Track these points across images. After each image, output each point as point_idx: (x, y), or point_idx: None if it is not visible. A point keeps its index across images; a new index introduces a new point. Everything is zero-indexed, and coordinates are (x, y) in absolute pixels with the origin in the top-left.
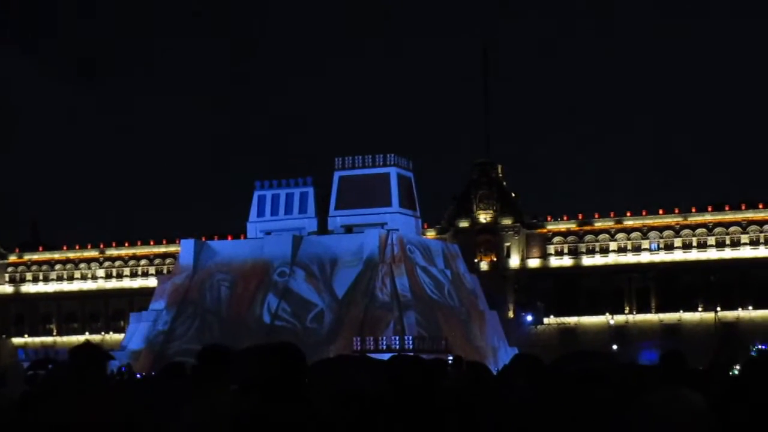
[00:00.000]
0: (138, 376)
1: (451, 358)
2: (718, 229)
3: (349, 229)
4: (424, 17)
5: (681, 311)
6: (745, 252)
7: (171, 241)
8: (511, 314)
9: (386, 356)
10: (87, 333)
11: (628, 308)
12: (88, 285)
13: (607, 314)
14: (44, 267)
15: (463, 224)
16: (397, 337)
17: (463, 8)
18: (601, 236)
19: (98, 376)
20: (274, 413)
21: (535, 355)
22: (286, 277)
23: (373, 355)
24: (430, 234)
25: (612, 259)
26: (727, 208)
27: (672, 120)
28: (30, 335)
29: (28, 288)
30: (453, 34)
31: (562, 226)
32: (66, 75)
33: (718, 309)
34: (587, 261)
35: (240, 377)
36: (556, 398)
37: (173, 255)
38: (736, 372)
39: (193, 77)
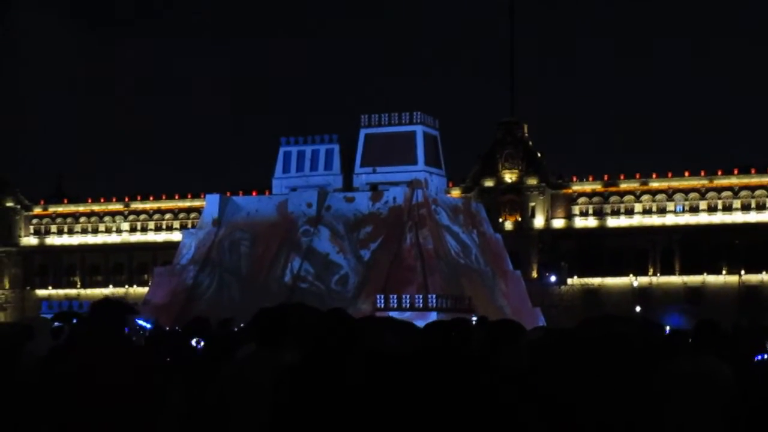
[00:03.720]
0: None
1: (475, 318)
2: (743, 192)
3: (374, 187)
4: None
5: (705, 274)
6: None
7: (196, 196)
8: (534, 274)
9: (408, 314)
10: (111, 286)
11: (652, 270)
12: (113, 238)
13: (631, 276)
14: (68, 219)
15: (488, 183)
16: (421, 296)
17: None
18: (626, 197)
19: (118, 332)
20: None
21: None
22: (311, 236)
23: (395, 314)
24: (455, 193)
25: (637, 220)
26: (753, 171)
27: (700, 81)
28: (54, 287)
29: (52, 240)
30: None
31: (587, 187)
32: (85, 28)
33: (743, 272)
34: (612, 222)
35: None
36: (582, 363)
37: (198, 209)
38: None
39: (219, 28)
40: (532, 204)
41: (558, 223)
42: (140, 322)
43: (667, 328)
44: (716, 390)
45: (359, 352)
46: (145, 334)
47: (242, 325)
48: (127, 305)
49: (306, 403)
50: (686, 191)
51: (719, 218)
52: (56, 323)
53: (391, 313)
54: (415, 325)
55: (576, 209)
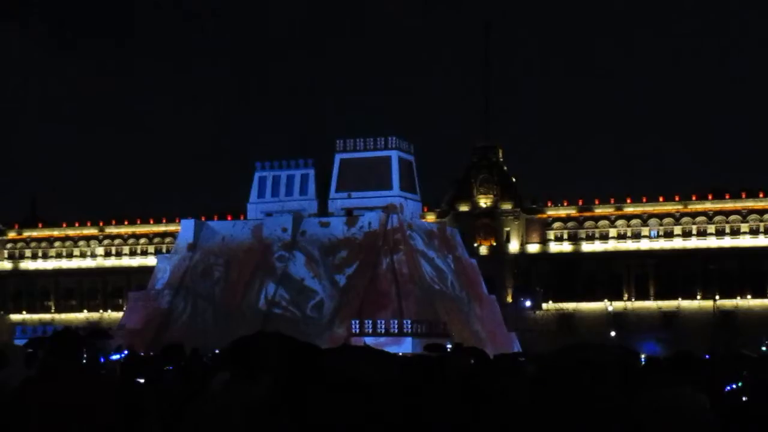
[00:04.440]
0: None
1: (449, 345)
2: (718, 218)
3: (349, 212)
4: None
5: (680, 299)
6: (745, 241)
7: (171, 220)
8: (509, 299)
9: (383, 339)
10: (85, 311)
11: (626, 295)
12: (87, 262)
13: (606, 301)
14: (43, 244)
15: (463, 208)
16: (396, 321)
17: None
18: (601, 222)
19: (74, 361)
20: (286, 398)
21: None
22: (286, 261)
23: (370, 339)
24: (430, 217)
25: (611, 245)
26: (727, 197)
27: (671, 107)
28: (28, 312)
29: (26, 264)
30: (454, 10)
31: (562, 212)
32: (65, 46)
33: (717, 297)
34: (587, 247)
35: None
36: (559, 392)
37: (173, 234)
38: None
39: (195, 53)
40: (507, 229)
41: (533, 247)
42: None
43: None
44: (694, 422)
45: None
46: (120, 361)
47: (216, 351)
48: (99, 333)
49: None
50: (661, 216)
51: (694, 243)
52: (29, 350)
53: (367, 338)
54: (390, 353)
55: (551, 234)
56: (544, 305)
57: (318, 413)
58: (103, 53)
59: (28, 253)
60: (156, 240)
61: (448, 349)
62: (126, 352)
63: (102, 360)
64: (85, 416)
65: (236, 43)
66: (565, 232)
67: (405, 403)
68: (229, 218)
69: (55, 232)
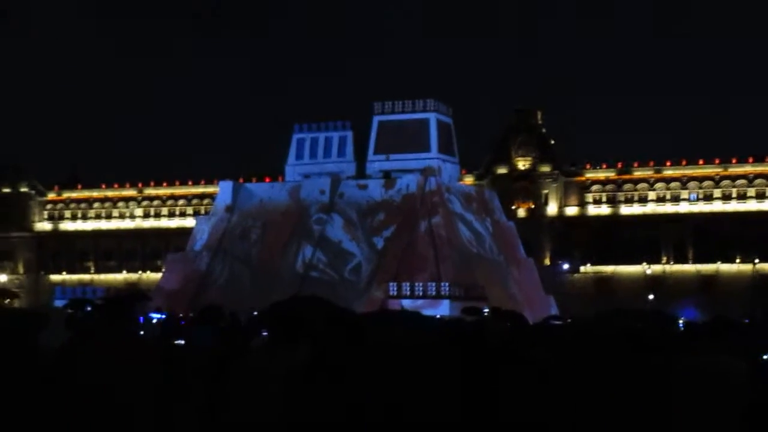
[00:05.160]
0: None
1: (486, 309)
2: (758, 181)
3: (387, 174)
4: None
5: (718, 262)
6: None
7: (209, 182)
8: (547, 262)
9: (420, 302)
10: (124, 271)
11: (665, 258)
12: (126, 224)
13: (644, 264)
14: (82, 205)
15: (501, 171)
16: (433, 284)
17: None
18: (640, 185)
19: (129, 327)
20: (324, 363)
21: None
22: (323, 224)
23: (407, 301)
24: (468, 180)
25: (650, 208)
26: (767, 160)
27: (714, 68)
28: (68, 272)
29: (66, 225)
30: None
31: (601, 175)
32: (105, 14)
33: (756, 261)
34: (625, 210)
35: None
36: (596, 358)
37: (211, 196)
38: None
39: (230, 18)
40: (545, 191)
41: (571, 210)
42: (154, 315)
43: (681, 321)
44: (731, 389)
45: (367, 348)
46: (160, 324)
47: (254, 313)
48: (139, 296)
49: (317, 397)
50: (700, 179)
51: (733, 207)
52: (69, 311)
53: (404, 301)
54: (427, 316)
55: (589, 197)
56: (582, 268)
57: (356, 378)
58: (138, 18)
59: (67, 214)
60: (194, 202)
61: (486, 313)
62: (165, 314)
63: (141, 320)
64: (127, 378)
65: (276, 3)
66: (604, 194)
67: (443, 367)
68: (267, 180)
69: (95, 194)
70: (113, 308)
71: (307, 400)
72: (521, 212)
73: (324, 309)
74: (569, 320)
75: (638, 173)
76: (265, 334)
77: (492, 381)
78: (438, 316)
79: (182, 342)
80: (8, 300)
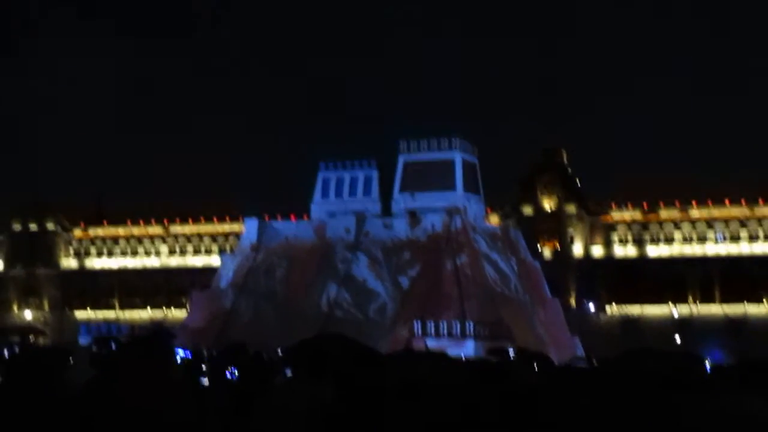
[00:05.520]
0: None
1: (511, 350)
2: None
3: (412, 213)
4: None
5: (746, 303)
6: None
7: (235, 220)
8: (573, 302)
9: (445, 341)
10: (149, 308)
11: (691, 299)
12: (151, 261)
13: (671, 304)
14: (108, 242)
15: (527, 210)
16: (458, 323)
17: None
18: (666, 226)
19: (164, 364)
20: (348, 403)
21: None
22: (349, 263)
23: (432, 340)
24: (494, 219)
25: (676, 249)
26: None
27: (737, 107)
28: (93, 309)
29: (91, 262)
30: (518, 17)
31: (627, 215)
32: (131, 48)
33: None
34: (651, 250)
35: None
36: (623, 401)
37: (237, 233)
38: None
39: (261, 60)
40: (571, 231)
41: (597, 250)
42: (179, 350)
43: (708, 362)
44: (758, 430)
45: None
46: (185, 360)
47: (278, 351)
48: (164, 334)
49: None
50: (726, 220)
51: (760, 247)
52: (94, 348)
53: (429, 340)
54: (452, 357)
55: (615, 237)
56: (608, 309)
57: (380, 418)
58: (173, 52)
59: (93, 251)
60: (220, 239)
61: (511, 353)
62: (189, 351)
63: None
64: (152, 416)
65: (301, 45)
66: (630, 234)
67: (466, 411)
68: (292, 218)
69: (121, 231)
70: (138, 347)
71: None
72: (547, 252)
73: (349, 348)
74: (594, 361)
75: (664, 213)
76: (288, 372)
77: (522, 424)
78: (463, 357)
79: (206, 379)
80: (34, 337)
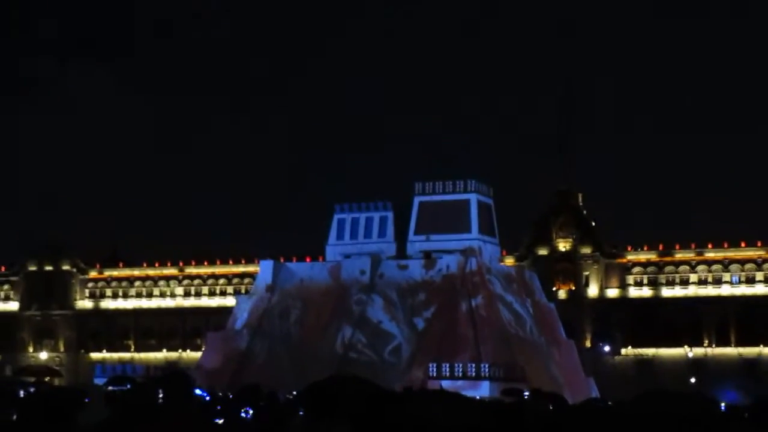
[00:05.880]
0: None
1: (526, 392)
2: None
3: (428, 255)
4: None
5: (761, 346)
6: None
7: (250, 261)
8: (588, 344)
9: (460, 383)
10: (164, 350)
11: (707, 341)
12: (167, 302)
13: (686, 347)
14: (123, 283)
15: (542, 252)
16: (473, 365)
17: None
18: (682, 267)
19: (182, 405)
20: None
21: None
22: (363, 305)
23: (447, 382)
24: (509, 261)
25: (692, 290)
26: None
27: (752, 155)
28: (108, 350)
29: (107, 303)
30: (534, 58)
31: (642, 257)
32: (142, 91)
33: None
34: (666, 292)
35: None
36: None
37: (251, 275)
38: None
39: (270, 95)
40: (586, 273)
41: (612, 292)
42: (197, 391)
43: (723, 404)
44: None
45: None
46: (200, 400)
47: (294, 393)
48: (180, 375)
49: None
50: (742, 262)
51: None
52: (110, 387)
53: (444, 382)
54: (467, 397)
55: (630, 279)
56: (623, 350)
57: None
58: (179, 92)
59: (108, 292)
60: (235, 281)
61: (526, 395)
62: (206, 392)
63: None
64: None
65: (314, 83)
66: (645, 276)
67: None
68: (307, 260)
69: (136, 272)
70: (155, 387)
71: None
72: (562, 293)
73: (362, 388)
74: (609, 403)
75: (679, 255)
76: (302, 413)
77: None
78: (478, 398)
79: (221, 421)
80: (49, 378)
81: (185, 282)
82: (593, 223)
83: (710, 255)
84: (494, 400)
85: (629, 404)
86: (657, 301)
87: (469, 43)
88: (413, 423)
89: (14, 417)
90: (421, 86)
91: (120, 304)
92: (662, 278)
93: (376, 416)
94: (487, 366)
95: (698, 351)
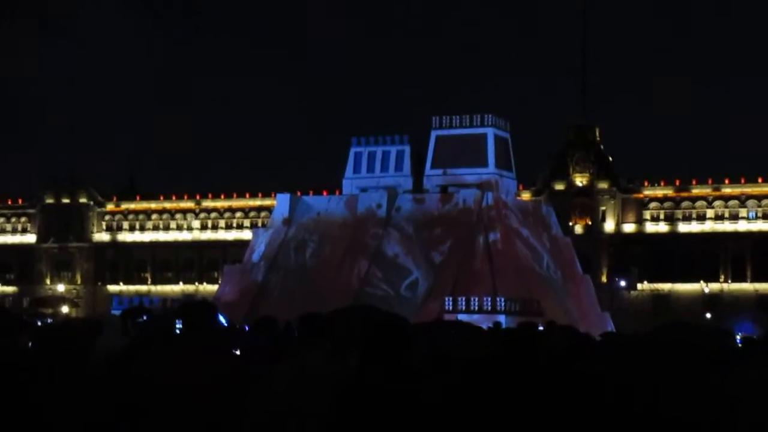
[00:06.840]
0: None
1: (541, 327)
2: None
3: (444, 189)
4: None
5: None
6: None
7: (266, 195)
8: (604, 279)
9: (476, 317)
10: (180, 283)
11: (723, 276)
12: (183, 235)
13: (702, 282)
14: (140, 216)
15: (559, 186)
16: (489, 299)
17: None
18: (698, 203)
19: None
20: (372, 374)
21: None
22: (380, 239)
23: (463, 316)
24: (525, 195)
25: (708, 226)
26: None
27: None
28: (125, 283)
29: (123, 236)
30: None
31: (659, 192)
32: (168, 26)
33: None
34: (683, 227)
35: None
36: (654, 371)
37: (268, 208)
38: None
39: (288, 35)
40: (603, 208)
41: (628, 227)
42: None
43: (738, 336)
44: None
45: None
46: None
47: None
48: (207, 305)
49: (367, 404)
50: (759, 197)
51: None
52: (127, 319)
53: (460, 316)
54: (480, 327)
55: (647, 214)
56: (639, 285)
57: (405, 388)
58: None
59: (125, 225)
60: (251, 214)
61: (540, 329)
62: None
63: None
64: (185, 384)
65: (334, 23)
66: (662, 212)
67: (496, 379)
68: (324, 193)
69: (153, 205)
70: (175, 316)
71: (355, 408)
72: (578, 228)
73: (373, 316)
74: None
75: (696, 191)
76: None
77: (545, 396)
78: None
79: (238, 352)
80: (67, 309)
81: (202, 215)
82: (610, 159)
83: (727, 191)
84: (507, 329)
85: (645, 335)
86: (673, 236)
87: None
88: (423, 351)
89: (30, 344)
90: (432, 20)
91: (137, 237)
92: (679, 213)
93: (388, 346)
94: (502, 300)
95: (714, 286)
